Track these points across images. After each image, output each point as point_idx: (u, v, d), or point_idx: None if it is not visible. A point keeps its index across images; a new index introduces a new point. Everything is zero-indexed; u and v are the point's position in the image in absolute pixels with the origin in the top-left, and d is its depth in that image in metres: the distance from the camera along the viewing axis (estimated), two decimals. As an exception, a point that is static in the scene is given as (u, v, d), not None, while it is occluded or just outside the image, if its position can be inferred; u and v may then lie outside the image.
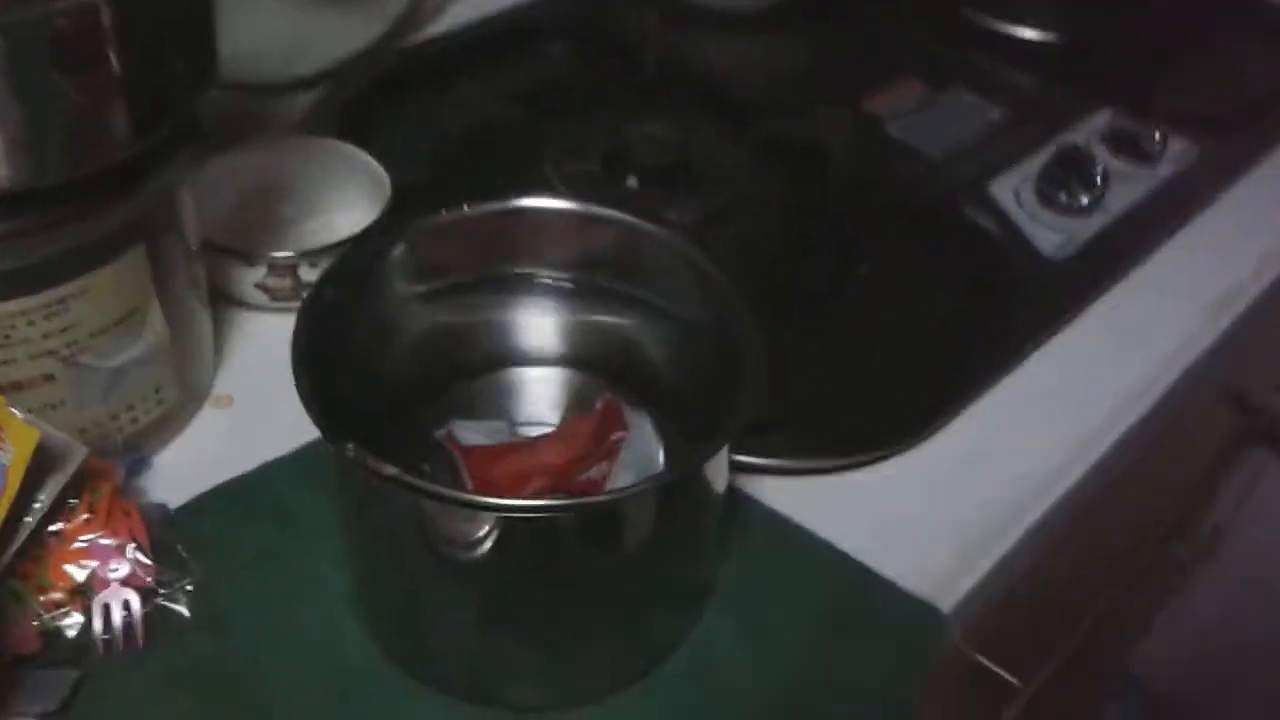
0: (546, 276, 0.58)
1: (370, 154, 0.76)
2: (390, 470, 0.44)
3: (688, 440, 0.56)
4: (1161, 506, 1.08)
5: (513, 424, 0.59)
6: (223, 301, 0.72)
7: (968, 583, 0.62)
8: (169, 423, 0.65)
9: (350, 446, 0.45)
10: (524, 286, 0.58)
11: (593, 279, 0.58)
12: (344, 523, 0.55)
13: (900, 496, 0.65)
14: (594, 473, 0.55)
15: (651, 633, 0.55)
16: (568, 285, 0.58)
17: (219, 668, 0.56)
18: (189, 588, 0.58)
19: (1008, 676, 0.67)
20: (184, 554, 0.58)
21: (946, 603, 0.60)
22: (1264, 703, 1.34)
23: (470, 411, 0.58)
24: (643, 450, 0.55)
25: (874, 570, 0.61)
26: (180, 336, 0.63)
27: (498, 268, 0.58)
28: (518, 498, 0.52)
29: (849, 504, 0.64)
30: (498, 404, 0.59)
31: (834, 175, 0.81)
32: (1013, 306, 0.76)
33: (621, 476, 0.55)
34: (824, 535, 0.62)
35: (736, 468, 0.64)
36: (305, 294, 0.70)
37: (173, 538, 0.59)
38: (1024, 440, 0.69)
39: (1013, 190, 0.81)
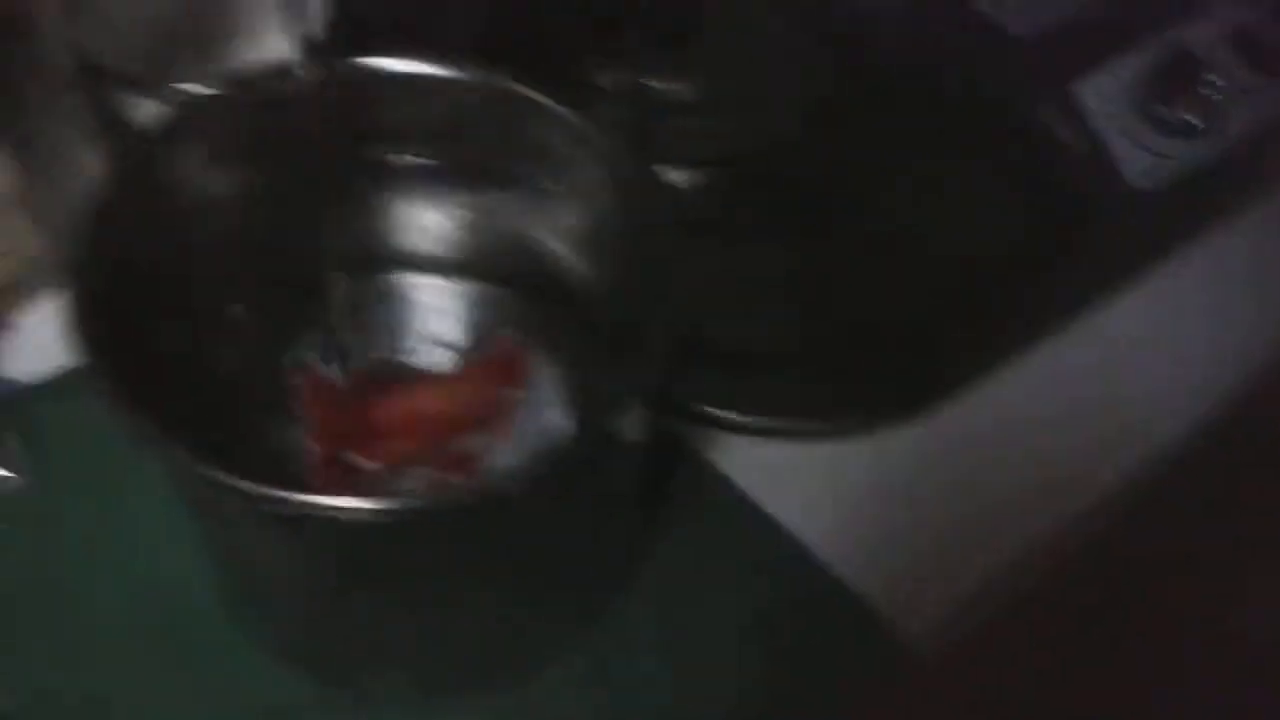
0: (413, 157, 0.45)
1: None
2: (174, 449, 0.34)
3: (606, 370, 0.44)
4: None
5: (394, 345, 0.47)
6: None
7: (946, 607, 0.50)
8: (32, 281, 0.54)
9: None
10: (391, 173, 0.45)
11: (468, 156, 0.45)
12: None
13: (895, 479, 0.53)
14: (472, 444, 0.43)
15: (519, 638, 0.45)
16: (438, 166, 0.45)
17: (35, 586, 0.48)
18: (12, 491, 0.49)
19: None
20: (17, 445, 0.49)
21: (911, 626, 0.49)
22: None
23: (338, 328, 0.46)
24: (538, 417, 0.44)
25: (833, 573, 0.49)
26: (46, 182, 0.52)
27: (351, 150, 0.44)
28: (368, 461, 0.41)
29: (826, 482, 0.52)
30: (375, 318, 0.47)
31: (884, 53, 0.65)
32: (1078, 246, 0.61)
33: (505, 454, 0.43)
34: (783, 519, 0.51)
35: (689, 416, 0.52)
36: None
37: (10, 421, 0.50)
38: (1064, 421, 0.55)
39: (1103, 95, 0.65)
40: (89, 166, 0.56)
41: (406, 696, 0.45)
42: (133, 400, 0.35)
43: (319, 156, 0.42)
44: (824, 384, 0.55)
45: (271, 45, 0.62)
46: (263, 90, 0.43)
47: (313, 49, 0.42)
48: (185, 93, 0.58)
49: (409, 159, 0.45)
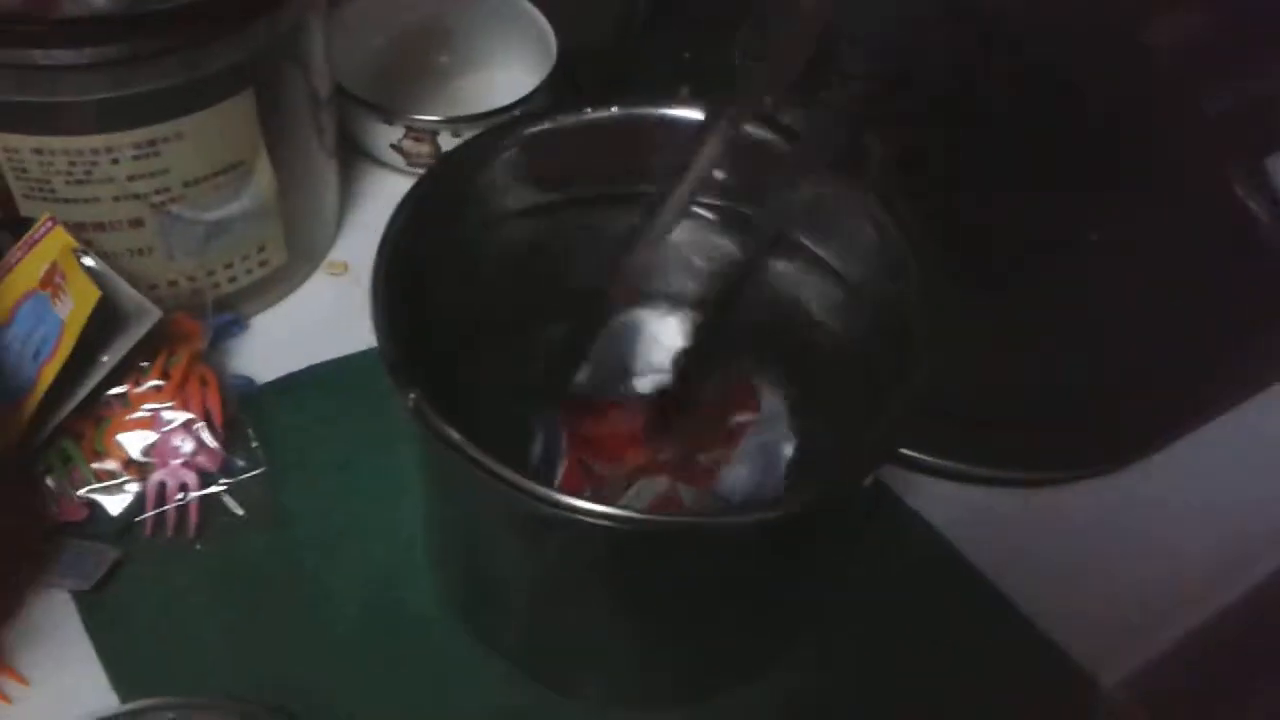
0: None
1: (540, 9, 0.66)
2: (453, 436, 0.36)
3: (833, 425, 0.46)
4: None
5: (628, 374, 0.50)
6: (356, 155, 0.65)
7: (1144, 656, 0.51)
8: (272, 285, 0.58)
9: (413, 397, 0.37)
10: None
11: (740, 210, 0.48)
12: (419, 459, 0.48)
13: (1096, 529, 0.54)
14: (706, 458, 0.45)
15: (733, 654, 0.47)
16: (709, 215, 0.47)
17: (267, 576, 0.50)
18: (252, 482, 0.52)
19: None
20: (254, 441, 0.52)
21: (1110, 677, 0.50)
22: None
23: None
24: (769, 441, 0.46)
25: (1031, 621, 0.50)
26: (294, 193, 0.56)
27: (626, 184, 0.47)
28: (616, 470, 0.44)
29: (1022, 530, 0.53)
30: (612, 348, 0.50)
31: (1081, 118, 0.67)
32: (1269, 320, 0.62)
33: (735, 472, 0.45)
34: (980, 564, 0.52)
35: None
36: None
37: (248, 419, 0.53)
38: (1273, 474, 0.56)
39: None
40: (330, 182, 0.60)
41: (620, 704, 0.47)
42: (421, 393, 0.37)
43: (596, 190, 0.44)
44: (1026, 432, 0.56)
45: (510, 79, 0.66)
46: (551, 124, 0.46)
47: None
48: (421, 121, 0.62)
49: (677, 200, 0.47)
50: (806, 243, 0.46)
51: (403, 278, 0.42)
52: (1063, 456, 0.56)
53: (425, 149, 0.62)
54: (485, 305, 0.45)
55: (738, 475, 0.46)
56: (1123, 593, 0.52)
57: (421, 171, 0.63)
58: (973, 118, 0.65)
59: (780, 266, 0.47)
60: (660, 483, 0.45)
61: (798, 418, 0.47)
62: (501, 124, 0.46)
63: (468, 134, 0.62)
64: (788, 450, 0.47)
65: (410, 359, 0.39)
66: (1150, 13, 0.71)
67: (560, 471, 0.46)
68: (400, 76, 0.67)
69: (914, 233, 0.42)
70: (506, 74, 0.67)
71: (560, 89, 0.64)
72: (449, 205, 0.44)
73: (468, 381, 0.42)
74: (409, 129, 0.62)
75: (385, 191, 0.65)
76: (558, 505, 0.36)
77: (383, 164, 0.65)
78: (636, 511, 0.38)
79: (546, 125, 0.45)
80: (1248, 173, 0.67)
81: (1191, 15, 0.71)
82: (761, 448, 0.46)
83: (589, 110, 0.46)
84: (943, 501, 0.54)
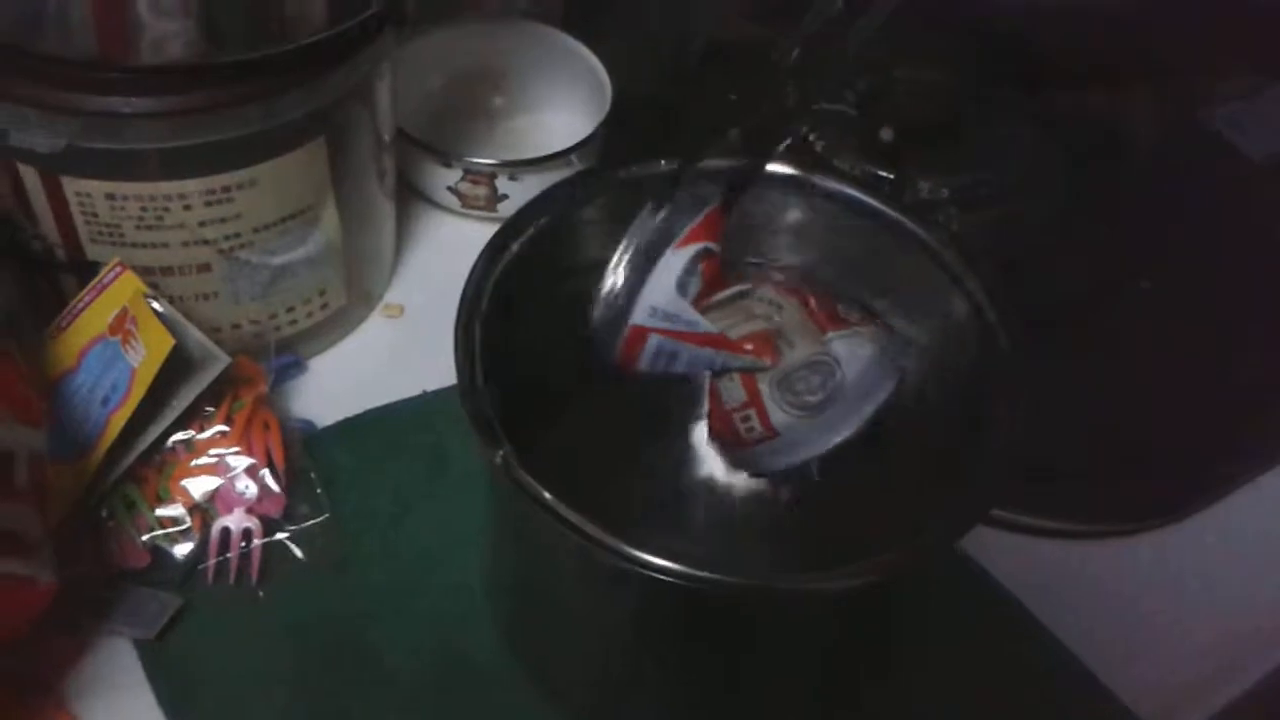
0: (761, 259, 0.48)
1: (595, 53, 0.66)
2: (544, 495, 0.36)
3: (915, 484, 0.46)
4: None
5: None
6: (409, 195, 0.65)
7: (1208, 709, 0.50)
8: (331, 327, 0.58)
9: (501, 455, 0.37)
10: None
11: (821, 268, 0.48)
12: (490, 506, 0.48)
13: (1158, 583, 0.54)
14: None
15: (798, 711, 0.46)
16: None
17: (329, 624, 0.50)
18: (315, 528, 0.51)
19: None
20: (317, 486, 0.52)
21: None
22: None
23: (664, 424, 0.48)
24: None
25: (1093, 675, 0.50)
26: (356, 236, 0.56)
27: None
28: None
29: (1083, 582, 0.53)
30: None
31: (1128, 168, 0.67)
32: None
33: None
34: (1043, 617, 0.51)
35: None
36: (498, 207, 0.63)
37: (309, 464, 0.53)
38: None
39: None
40: (389, 224, 0.60)
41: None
42: (510, 450, 0.37)
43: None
44: (1086, 483, 0.56)
45: (563, 122, 0.66)
46: (632, 173, 0.46)
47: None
48: (480, 164, 0.62)
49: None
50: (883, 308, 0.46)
51: (484, 328, 0.42)
52: (1124, 508, 0.56)
53: (482, 191, 0.62)
54: (560, 358, 0.45)
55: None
56: (1186, 644, 0.52)
57: (476, 214, 0.64)
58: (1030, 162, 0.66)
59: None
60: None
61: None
62: (585, 171, 0.46)
63: (525, 178, 0.62)
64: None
65: (495, 415, 0.39)
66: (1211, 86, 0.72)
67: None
68: (454, 118, 0.67)
69: (1004, 301, 0.42)
70: (559, 117, 0.67)
71: (613, 133, 0.64)
72: (531, 255, 0.44)
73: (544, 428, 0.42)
74: (467, 171, 0.62)
75: (440, 234, 0.65)
76: (646, 565, 0.36)
77: (438, 205, 0.65)
78: (723, 575, 0.37)
79: (632, 173, 0.45)
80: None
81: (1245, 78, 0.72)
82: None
83: (663, 162, 0.46)
84: (1004, 553, 0.53)
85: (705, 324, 0.46)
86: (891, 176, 0.64)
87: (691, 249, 0.46)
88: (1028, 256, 0.64)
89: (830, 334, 0.47)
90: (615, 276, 0.45)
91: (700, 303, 0.46)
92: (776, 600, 0.39)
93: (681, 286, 0.46)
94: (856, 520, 0.46)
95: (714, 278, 0.47)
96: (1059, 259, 0.66)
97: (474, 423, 0.38)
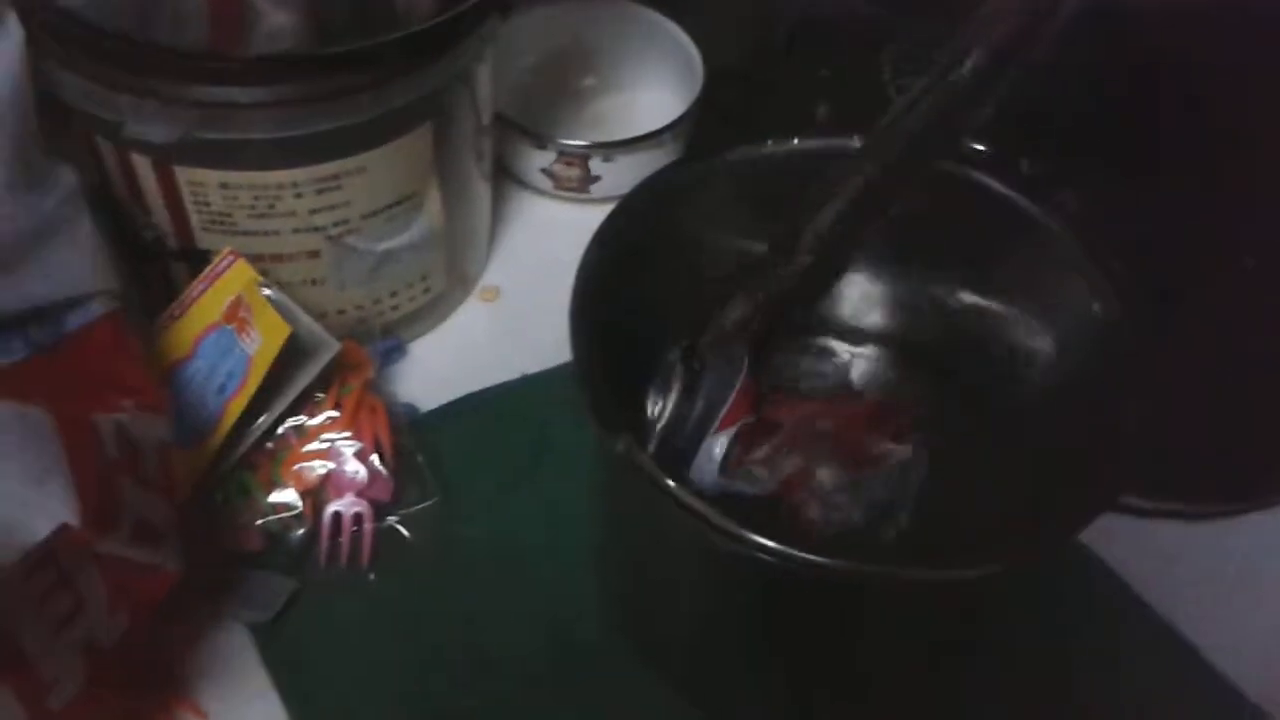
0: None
1: (686, 30, 0.66)
2: (666, 482, 0.36)
3: (1031, 476, 0.45)
4: None
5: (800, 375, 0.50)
6: (502, 177, 0.65)
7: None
8: (431, 311, 0.59)
9: (623, 443, 0.37)
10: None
11: (934, 248, 0.47)
12: (601, 487, 0.48)
13: (1257, 563, 0.53)
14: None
15: (897, 695, 0.46)
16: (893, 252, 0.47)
17: (439, 606, 0.50)
18: (423, 512, 0.52)
19: None
20: (425, 468, 0.53)
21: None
22: None
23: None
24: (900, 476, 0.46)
25: (1208, 662, 0.49)
26: (457, 221, 0.56)
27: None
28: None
29: (1197, 564, 0.52)
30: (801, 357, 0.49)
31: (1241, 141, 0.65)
32: None
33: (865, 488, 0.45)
34: (1152, 600, 0.51)
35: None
36: (591, 188, 0.63)
37: (416, 445, 0.53)
38: None
39: None
40: (486, 207, 0.60)
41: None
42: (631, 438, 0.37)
43: (790, 219, 0.44)
44: (1194, 464, 0.54)
45: (653, 102, 0.65)
46: (757, 153, 0.45)
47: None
48: (574, 146, 0.62)
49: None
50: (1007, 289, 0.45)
51: (599, 313, 0.41)
52: (1228, 488, 0.55)
53: (575, 173, 0.62)
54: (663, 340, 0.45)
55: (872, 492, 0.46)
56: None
57: (569, 196, 0.64)
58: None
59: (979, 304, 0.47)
60: (795, 461, 0.45)
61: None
62: (690, 154, 0.46)
63: (619, 159, 0.62)
64: (922, 472, 0.46)
65: (616, 404, 0.39)
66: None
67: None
68: (545, 99, 0.67)
69: (1129, 294, 0.42)
70: (649, 96, 0.67)
71: (703, 111, 0.64)
72: (643, 238, 0.44)
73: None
74: (561, 153, 0.62)
75: (533, 216, 0.65)
76: (766, 550, 0.36)
77: (530, 187, 0.65)
78: (844, 560, 0.37)
79: (754, 154, 0.45)
80: None
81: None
82: (901, 466, 0.46)
83: (795, 140, 0.45)
84: (1112, 536, 0.53)
85: (747, 489, 0.46)
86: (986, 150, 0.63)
87: (730, 431, 0.46)
88: (1123, 235, 0.63)
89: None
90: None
91: (739, 462, 0.47)
92: (901, 588, 0.38)
93: (724, 468, 0.46)
94: (964, 512, 0.46)
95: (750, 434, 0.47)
96: (1163, 240, 0.64)
97: (594, 412, 0.38)
